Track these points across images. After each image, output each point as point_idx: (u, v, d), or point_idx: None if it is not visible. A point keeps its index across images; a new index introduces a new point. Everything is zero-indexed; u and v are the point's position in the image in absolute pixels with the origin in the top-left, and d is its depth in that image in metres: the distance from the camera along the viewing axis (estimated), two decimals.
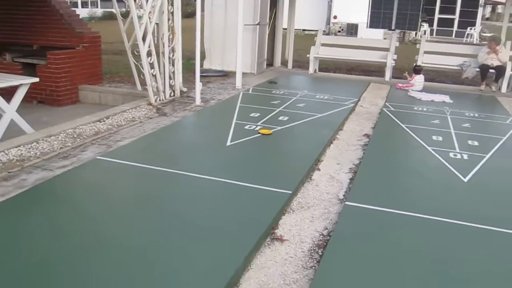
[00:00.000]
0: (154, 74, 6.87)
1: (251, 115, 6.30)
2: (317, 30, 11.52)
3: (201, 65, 8.85)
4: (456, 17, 26.11)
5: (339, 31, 24.50)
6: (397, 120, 6.42)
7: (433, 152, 5.06)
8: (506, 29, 10.78)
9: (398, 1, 10.59)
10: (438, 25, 26.20)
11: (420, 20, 10.90)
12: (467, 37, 23.65)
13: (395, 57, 10.07)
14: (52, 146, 4.81)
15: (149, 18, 6.65)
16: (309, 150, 4.98)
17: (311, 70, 10.66)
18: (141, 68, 6.81)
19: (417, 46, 10.47)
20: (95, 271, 2.62)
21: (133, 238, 3.01)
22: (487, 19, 44.16)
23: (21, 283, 2.48)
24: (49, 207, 3.45)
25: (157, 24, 7.20)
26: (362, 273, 2.75)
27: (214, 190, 3.84)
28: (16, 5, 8.27)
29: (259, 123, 5.87)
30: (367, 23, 11.25)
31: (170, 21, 7.05)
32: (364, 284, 2.64)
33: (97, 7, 34.81)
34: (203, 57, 10.35)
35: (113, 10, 10.49)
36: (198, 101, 7.09)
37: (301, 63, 11.71)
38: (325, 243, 3.12)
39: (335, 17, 24.60)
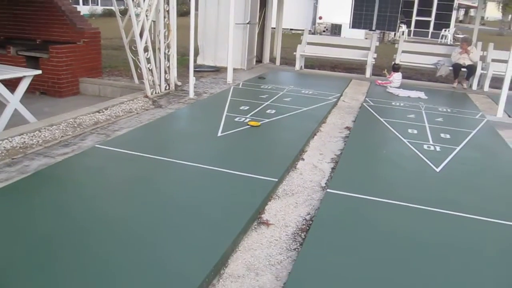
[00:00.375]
0: (150, 68, 6.81)
1: (241, 108, 6.28)
2: (303, 30, 11.50)
3: (195, 61, 8.79)
4: (432, 19, 26.17)
5: (323, 31, 24.45)
6: (376, 114, 6.44)
7: (408, 144, 5.09)
8: (477, 31, 10.85)
9: (379, 4, 10.60)
10: (415, 27, 26.22)
11: (398, 21, 10.92)
12: (441, 38, 23.74)
13: (375, 55, 10.08)
14: (54, 135, 4.76)
15: (146, 16, 6.59)
16: (294, 141, 4.98)
17: (297, 67, 10.64)
18: (138, 63, 6.76)
19: (396, 46, 10.50)
20: (94, 244, 2.68)
21: (129, 218, 3.00)
22: (461, 21, 44.42)
23: (27, 257, 2.48)
24: (51, 190, 3.43)
25: (153, 21, 7.14)
26: (342, 254, 2.77)
27: (205, 177, 3.83)
28: (21, 1, 8.14)
29: (248, 116, 5.85)
30: (350, 23, 11.26)
31: (166, 19, 6.98)
32: (343, 264, 2.66)
33: (97, 4, 34.35)
34: (196, 53, 10.28)
35: (112, 7, 10.37)
36: (191, 94, 7.05)
37: (288, 60, 11.68)
38: (307, 227, 3.13)
39: (320, 18, 24.53)
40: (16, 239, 2.69)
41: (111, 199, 3.36)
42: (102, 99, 6.74)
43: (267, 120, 5.71)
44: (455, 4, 26.35)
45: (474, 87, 9.29)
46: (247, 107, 6.32)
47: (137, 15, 6.47)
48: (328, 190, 3.71)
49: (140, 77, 7.05)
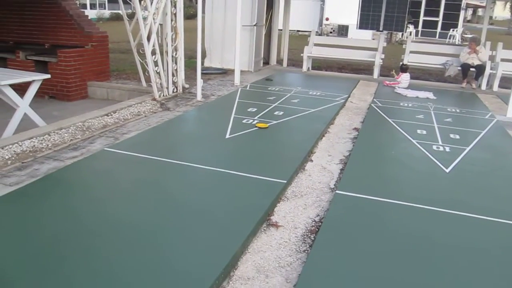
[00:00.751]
0: (158, 71, 6.84)
1: (249, 110, 6.29)
2: (310, 31, 11.48)
3: (202, 63, 8.80)
4: (440, 19, 26.09)
5: (330, 32, 24.42)
6: (384, 115, 6.42)
7: (417, 145, 5.07)
8: (486, 31, 10.77)
9: (386, 4, 10.56)
10: (423, 27, 26.18)
11: (406, 22, 10.87)
12: (449, 38, 23.61)
13: (382, 56, 10.06)
14: (63, 138, 4.79)
15: (154, 19, 6.62)
16: (302, 142, 4.97)
17: (304, 68, 10.64)
18: (146, 66, 6.79)
19: (403, 46, 10.45)
20: (103, 247, 2.69)
21: (139, 220, 3.01)
22: (468, 21, 44.15)
23: (37, 260, 2.49)
24: (60, 194, 3.45)
25: (161, 24, 7.16)
26: (352, 256, 2.76)
27: (214, 179, 3.83)
28: (29, 7, 8.22)
29: (256, 118, 5.86)
30: (357, 24, 11.22)
31: (173, 22, 7.02)
32: (353, 265, 2.65)
33: (104, 8, 34.54)
34: (203, 56, 10.29)
35: (120, 11, 10.43)
36: (199, 96, 7.07)
37: (295, 62, 11.68)
38: (317, 229, 3.13)
39: (327, 19, 24.49)
40: (26, 242, 2.71)
41: (120, 201, 3.37)
42: (110, 103, 6.78)
43: (275, 122, 5.71)
44: (463, 4, 26.20)
45: (483, 87, 9.23)
46: (255, 109, 6.32)
47: (145, 19, 6.50)
48: (337, 191, 3.70)
49: (148, 80, 7.08)
